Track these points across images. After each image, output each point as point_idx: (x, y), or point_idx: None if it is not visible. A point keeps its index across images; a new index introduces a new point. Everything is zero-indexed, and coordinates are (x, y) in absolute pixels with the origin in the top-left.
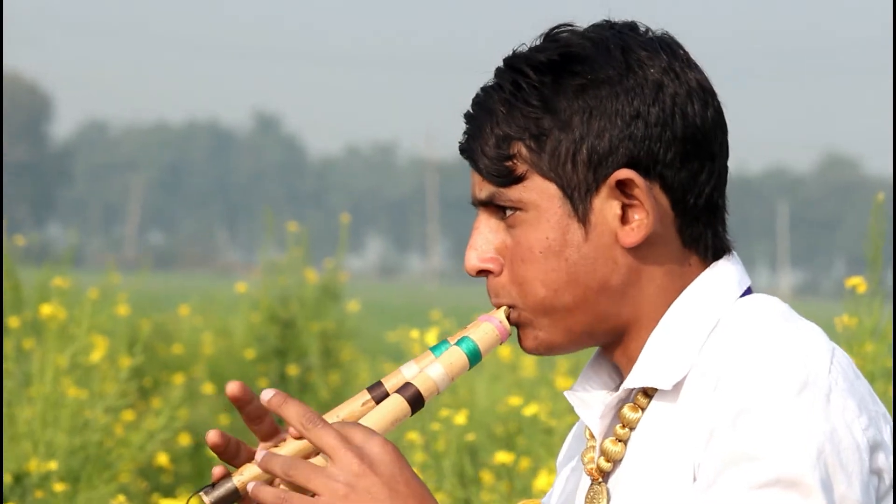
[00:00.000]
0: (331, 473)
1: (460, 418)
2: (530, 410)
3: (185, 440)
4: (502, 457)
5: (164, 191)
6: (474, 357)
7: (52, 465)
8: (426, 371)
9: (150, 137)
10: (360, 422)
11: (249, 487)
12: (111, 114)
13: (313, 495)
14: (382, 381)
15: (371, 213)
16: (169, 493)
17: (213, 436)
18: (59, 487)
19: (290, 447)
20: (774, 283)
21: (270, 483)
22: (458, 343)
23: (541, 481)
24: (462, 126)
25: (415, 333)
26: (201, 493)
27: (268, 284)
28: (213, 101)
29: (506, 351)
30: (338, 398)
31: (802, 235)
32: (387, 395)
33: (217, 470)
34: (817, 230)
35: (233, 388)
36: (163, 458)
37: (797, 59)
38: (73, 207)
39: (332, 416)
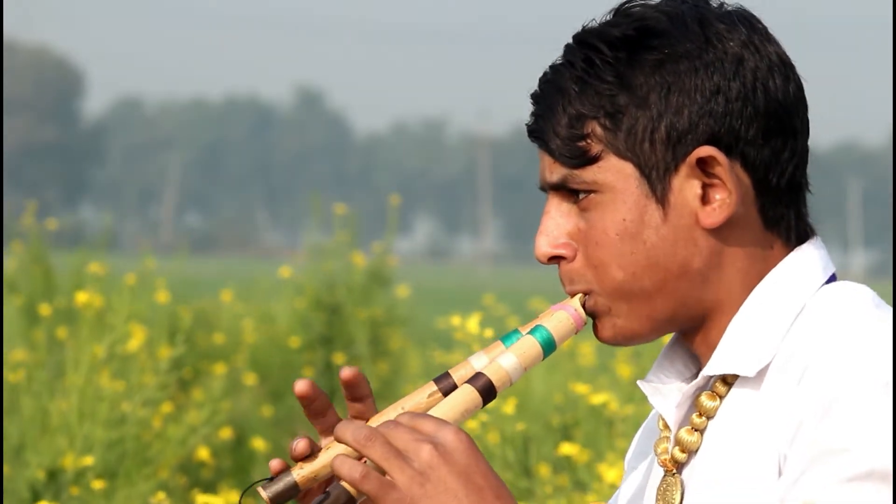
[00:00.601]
0: (407, 458)
1: (508, 408)
2: (598, 399)
3: (226, 434)
4: (566, 448)
5: (202, 171)
6: (548, 347)
7: (88, 461)
8: (498, 360)
9: (188, 115)
10: (429, 413)
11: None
12: (146, 90)
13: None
14: (450, 371)
15: (420, 194)
16: (210, 489)
17: (302, 385)
18: (95, 484)
19: None
20: (846, 263)
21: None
22: (531, 332)
23: (606, 474)
24: (520, 103)
25: (471, 323)
26: (259, 488)
27: (313, 269)
28: (253, 77)
29: None
30: (387, 388)
31: (875, 214)
32: (454, 386)
33: (275, 463)
34: (891, 208)
35: (301, 385)
36: (203, 453)
37: (868, 29)
38: (106, 189)
39: (395, 409)
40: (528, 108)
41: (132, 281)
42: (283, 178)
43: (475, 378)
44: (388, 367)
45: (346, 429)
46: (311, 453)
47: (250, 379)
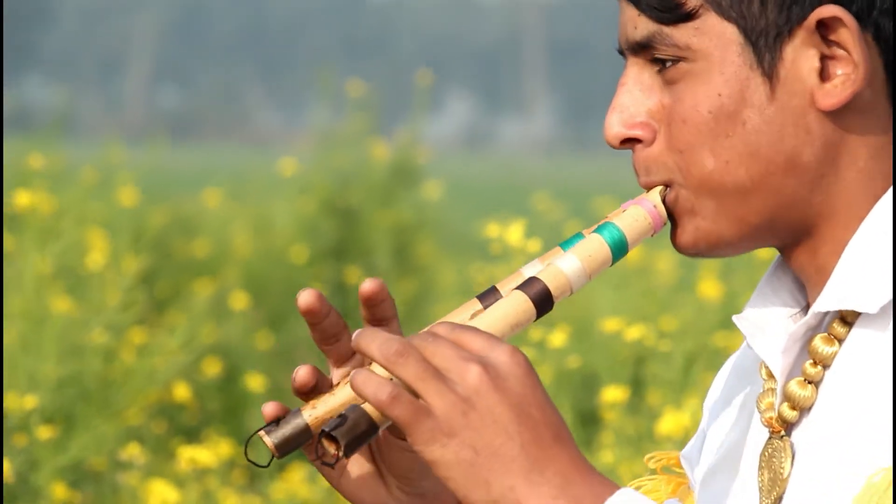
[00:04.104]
0: (449, 380)
1: (557, 339)
2: (634, 334)
3: (212, 368)
4: (612, 394)
5: (179, 36)
6: (619, 249)
7: (32, 403)
8: (556, 263)
9: None
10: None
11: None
12: None
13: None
14: (497, 286)
15: (451, 65)
16: (192, 436)
17: (307, 297)
18: (44, 432)
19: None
20: None
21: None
22: (597, 230)
23: (666, 423)
24: None
25: (512, 233)
26: (262, 434)
27: (321, 161)
28: None
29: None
30: (414, 311)
31: None
32: None
33: (269, 408)
34: None
35: (306, 297)
36: (183, 392)
37: None
38: (58, 59)
39: None
40: None
41: (91, 176)
42: (280, 45)
43: (527, 284)
44: (416, 284)
45: (372, 339)
46: (318, 386)
47: (242, 300)
